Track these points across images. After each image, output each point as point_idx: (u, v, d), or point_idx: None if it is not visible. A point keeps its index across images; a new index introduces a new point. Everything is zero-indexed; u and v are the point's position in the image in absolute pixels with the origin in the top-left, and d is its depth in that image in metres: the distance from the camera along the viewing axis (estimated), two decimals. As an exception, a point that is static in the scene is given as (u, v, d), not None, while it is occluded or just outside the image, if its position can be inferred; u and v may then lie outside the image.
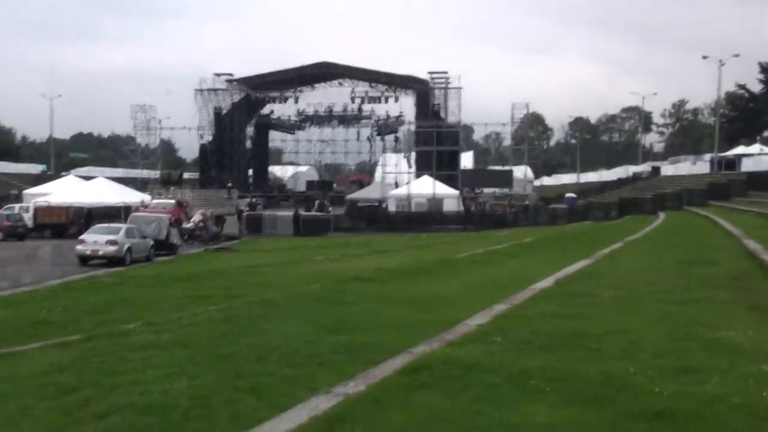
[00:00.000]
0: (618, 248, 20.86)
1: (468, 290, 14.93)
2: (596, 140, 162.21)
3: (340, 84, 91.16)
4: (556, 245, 25.09)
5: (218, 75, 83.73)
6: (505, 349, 8.22)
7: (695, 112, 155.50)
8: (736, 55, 79.56)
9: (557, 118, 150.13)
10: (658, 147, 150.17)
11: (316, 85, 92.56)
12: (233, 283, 19.04)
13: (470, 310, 11.29)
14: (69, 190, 49.89)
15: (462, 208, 60.58)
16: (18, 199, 55.19)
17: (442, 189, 61.07)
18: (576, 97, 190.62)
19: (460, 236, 43.36)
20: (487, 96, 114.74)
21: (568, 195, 73.30)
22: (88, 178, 58.28)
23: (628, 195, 61.59)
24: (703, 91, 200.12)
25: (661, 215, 41.81)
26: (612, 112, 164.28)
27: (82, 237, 30.15)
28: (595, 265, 16.47)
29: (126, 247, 29.37)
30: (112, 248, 28.91)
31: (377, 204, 61.59)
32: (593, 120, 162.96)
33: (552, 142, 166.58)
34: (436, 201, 58.93)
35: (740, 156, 75.05)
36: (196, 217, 42.64)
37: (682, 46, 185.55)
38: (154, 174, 78.03)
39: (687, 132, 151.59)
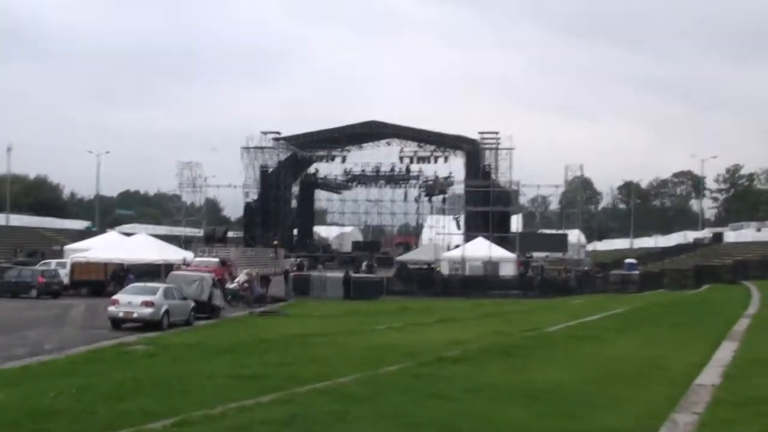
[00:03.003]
0: (751, 325, 17.39)
1: (595, 379, 11.63)
2: (647, 205, 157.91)
3: (388, 144, 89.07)
4: (661, 320, 21.59)
5: (265, 133, 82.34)
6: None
7: (750, 177, 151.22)
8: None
9: (605, 182, 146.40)
10: (709, 213, 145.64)
11: (364, 145, 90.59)
12: (287, 358, 15.88)
13: (624, 412, 8.00)
14: (109, 246, 47.64)
15: (519, 272, 57.46)
16: (59, 255, 52.92)
17: (498, 252, 58.15)
18: (623, 161, 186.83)
19: (528, 304, 39.82)
20: (533, 158, 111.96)
21: (628, 261, 69.98)
22: (131, 234, 56.25)
23: (699, 262, 57.59)
24: (756, 156, 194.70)
25: (749, 285, 37.97)
26: (663, 176, 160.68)
27: (115, 297, 27.25)
28: (746, 350, 13.06)
29: (164, 309, 26.40)
30: (148, 310, 25.97)
31: (430, 266, 58.72)
32: (644, 185, 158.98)
33: (599, 207, 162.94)
34: (492, 264, 55.88)
35: (813, 223, 71.38)
36: (241, 277, 39.90)
37: (730, 109, 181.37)
38: (198, 232, 76.10)
39: (742, 197, 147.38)
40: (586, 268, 63.57)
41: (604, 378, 11.61)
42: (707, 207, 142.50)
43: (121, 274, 41.57)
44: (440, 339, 18.78)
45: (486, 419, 8.77)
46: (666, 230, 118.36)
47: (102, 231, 73.57)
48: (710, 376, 10.15)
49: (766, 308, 22.43)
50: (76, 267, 43.84)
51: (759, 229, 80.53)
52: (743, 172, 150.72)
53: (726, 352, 12.48)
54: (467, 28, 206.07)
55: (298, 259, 64.26)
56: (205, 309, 30.23)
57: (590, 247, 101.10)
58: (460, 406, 9.57)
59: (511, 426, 8.41)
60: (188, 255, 49.27)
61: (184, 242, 66.12)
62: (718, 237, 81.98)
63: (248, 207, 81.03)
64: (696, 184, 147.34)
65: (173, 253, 47.86)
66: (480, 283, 52.04)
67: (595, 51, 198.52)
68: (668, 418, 7.64)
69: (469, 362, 13.47)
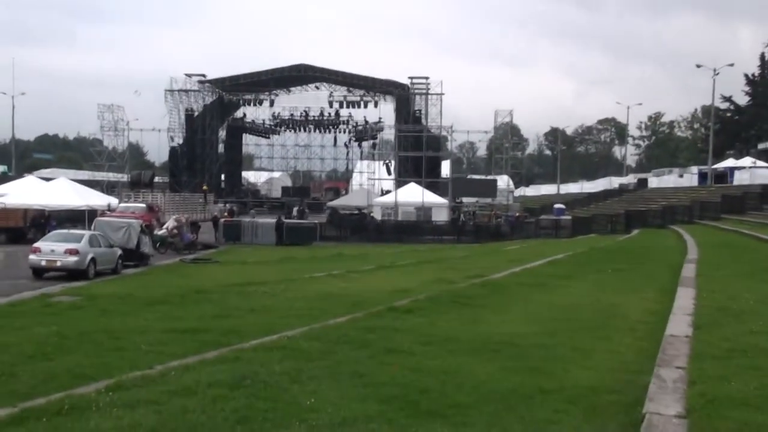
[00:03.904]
0: (698, 270, 17.20)
1: (555, 330, 11.13)
2: (572, 151, 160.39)
3: (317, 88, 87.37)
4: (604, 265, 21.32)
5: (190, 75, 79.60)
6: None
7: (671, 125, 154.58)
8: (731, 65, 77.67)
9: (531, 129, 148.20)
10: (631, 159, 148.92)
11: (293, 89, 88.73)
12: (225, 309, 14.99)
13: (596, 366, 7.47)
14: (28, 192, 45.37)
15: (451, 217, 57.25)
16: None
17: (430, 197, 57.74)
18: (548, 109, 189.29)
19: (463, 249, 39.51)
20: (461, 105, 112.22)
21: (557, 206, 70.59)
22: (51, 179, 53.81)
23: (627, 207, 58.24)
24: (676, 105, 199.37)
25: (679, 230, 38.40)
26: (587, 123, 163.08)
27: (36, 245, 25.64)
28: (706, 297, 12.74)
29: (89, 257, 25.01)
30: (72, 259, 24.58)
31: (362, 212, 57.95)
32: (569, 132, 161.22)
33: (526, 153, 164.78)
34: (424, 210, 55.45)
35: (732, 169, 72.94)
36: (170, 223, 38.27)
37: (651, 59, 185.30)
38: (122, 177, 73.53)
39: (663, 145, 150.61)
40: (516, 214, 63.79)
41: (564, 329, 11.13)
42: (630, 154, 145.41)
43: (41, 221, 39.62)
44: (384, 287, 18.15)
45: (452, 376, 8.14)
46: (591, 176, 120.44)
47: (19, 176, 70.33)
48: (679, 325, 9.73)
49: (706, 253, 22.44)
50: (-8, 214, 41.66)
51: (681, 175, 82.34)
52: (664, 119, 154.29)
53: (686, 300, 12.13)
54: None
55: (228, 205, 62.69)
56: (133, 257, 28.89)
57: (518, 192, 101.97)
58: (421, 362, 8.92)
59: (481, 384, 7.78)
60: (113, 201, 47.34)
61: (107, 188, 63.79)
62: (642, 183, 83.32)
63: (173, 151, 78.51)
64: (619, 131, 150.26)
65: (97, 199, 45.82)
66: (413, 229, 51.53)
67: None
68: (654, 374, 7.10)
69: (421, 313, 12.85)
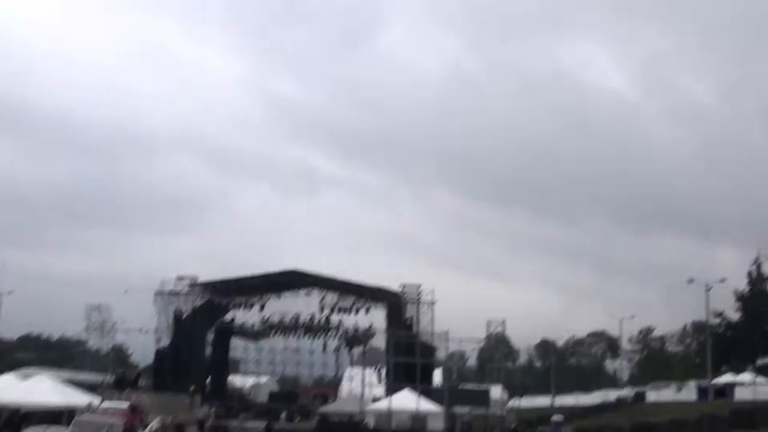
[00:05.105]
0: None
1: None
2: (564, 364, 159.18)
3: (308, 294, 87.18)
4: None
5: (181, 278, 79.58)
6: None
7: (662, 339, 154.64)
8: (722, 280, 79.10)
9: (521, 340, 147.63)
10: (620, 373, 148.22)
11: (284, 293, 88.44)
12: None
13: None
14: (3, 389, 43.47)
15: (446, 427, 55.36)
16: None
17: (425, 405, 56.13)
18: (537, 321, 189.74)
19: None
20: (450, 316, 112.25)
21: (555, 419, 68.63)
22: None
23: (630, 420, 56.33)
24: (662, 320, 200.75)
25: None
26: (578, 335, 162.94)
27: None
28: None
29: (66, 458, 23.16)
30: (48, 459, 22.71)
31: (355, 419, 55.97)
32: (560, 344, 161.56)
33: (516, 364, 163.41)
34: (419, 418, 53.62)
35: (732, 384, 72.13)
36: (154, 424, 36.43)
37: (635, 274, 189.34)
38: (104, 378, 71.39)
39: (655, 358, 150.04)
40: (513, 425, 61.85)
41: None
42: (624, 367, 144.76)
43: (15, 421, 37.60)
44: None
45: None
46: (584, 388, 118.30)
47: (-1, 375, 68.23)
48: None
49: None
50: (-38, 414, 39.55)
51: (680, 389, 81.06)
52: (654, 334, 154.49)
53: None
54: (388, 193, 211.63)
55: (212, 409, 60.45)
56: (112, 459, 26.93)
57: (511, 403, 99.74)
58: None
59: None
60: (95, 400, 45.33)
61: (89, 388, 61.72)
62: (640, 396, 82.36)
63: (159, 353, 76.91)
64: (611, 344, 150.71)
65: (78, 397, 43.93)
66: (408, 437, 49.64)
67: (507, 217, 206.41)
68: None
69: None
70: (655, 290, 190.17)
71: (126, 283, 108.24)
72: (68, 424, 31.15)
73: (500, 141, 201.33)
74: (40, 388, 43.75)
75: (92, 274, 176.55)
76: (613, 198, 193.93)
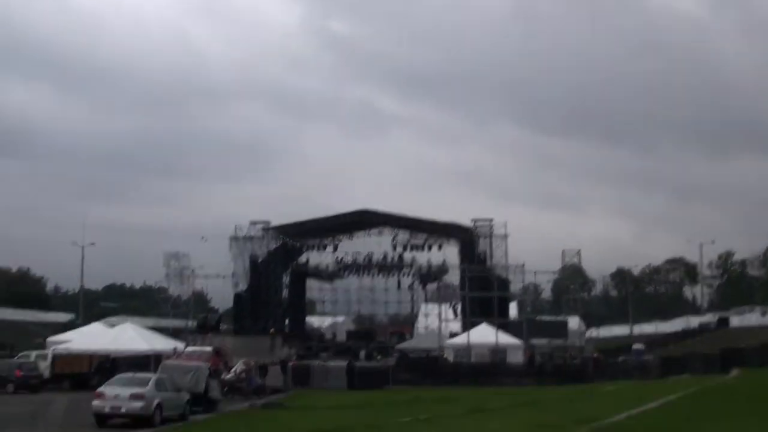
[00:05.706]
0: None
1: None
2: (640, 292, 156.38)
3: (380, 232, 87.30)
4: (738, 411, 18.53)
5: (254, 223, 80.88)
6: None
7: (743, 263, 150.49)
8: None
9: (595, 271, 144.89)
10: (700, 300, 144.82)
11: (355, 233, 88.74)
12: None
13: None
14: (93, 337, 44.82)
15: (526, 359, 55.02)
16: (40, 347, 49.87)
17: (504, 338, 55.83)
18: (611, 251, 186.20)
19: (550, 392, 36.92)
20: (522, 249, 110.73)
21: (636, 347, 67.85)
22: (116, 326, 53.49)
23: (722, 346, 54.59)
24: (743, 244, 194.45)
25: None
26: (654, 263, 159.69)
27: (100, 390, 24.20)
28: None
29: (155, 402, 23.48)
30: (137, 404, 23.11)
31: (435, 354, 56.18)
32: (635, 272, 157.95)
33: (591, 294, 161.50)
34: (499, 351, 53.42)
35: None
36: (239, 366, 37.14)
37: (711, 199, 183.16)
38: (187, 323, 73.31)
39: (735, 284, 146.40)
40: (595, 355, 61.21)
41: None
42: (704, 293, 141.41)
43: (106, 366, 38.66)
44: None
45: None
46: (662, 316, 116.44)
47: (87, 324, 70.71)
48: None
49: None
50: (57, 359, 40.81)
51: (764, 314, 78.69)
52: (735, 258, 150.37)
53: None
54: (453, 129, 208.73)
55: (293, 350, 61.52)
56: (201, 402, 27.39)
57: (589, 334, 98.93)
58: None
59: None
60: (179, 345, 46.43)
61: (172, 333, 63.46)
62: (723, 321, 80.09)
63: (238, 297, 78.72)
64: (689, 270, 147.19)
65: (163, 343, 45.06)
66: (489, 371, 49.44)
67: (575, 147, 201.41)
68: None
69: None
70: (734, 214, 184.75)
71: (202, 231, 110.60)
72: (156, 369, 31.81)
73: (565, 69, 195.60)
74: (126, 336, 45.20)
75: (169, 224, 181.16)
76: (686, 121, 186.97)
